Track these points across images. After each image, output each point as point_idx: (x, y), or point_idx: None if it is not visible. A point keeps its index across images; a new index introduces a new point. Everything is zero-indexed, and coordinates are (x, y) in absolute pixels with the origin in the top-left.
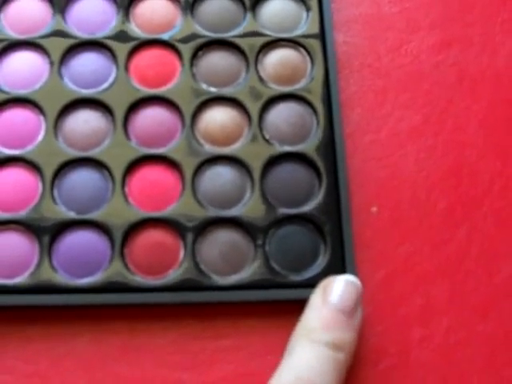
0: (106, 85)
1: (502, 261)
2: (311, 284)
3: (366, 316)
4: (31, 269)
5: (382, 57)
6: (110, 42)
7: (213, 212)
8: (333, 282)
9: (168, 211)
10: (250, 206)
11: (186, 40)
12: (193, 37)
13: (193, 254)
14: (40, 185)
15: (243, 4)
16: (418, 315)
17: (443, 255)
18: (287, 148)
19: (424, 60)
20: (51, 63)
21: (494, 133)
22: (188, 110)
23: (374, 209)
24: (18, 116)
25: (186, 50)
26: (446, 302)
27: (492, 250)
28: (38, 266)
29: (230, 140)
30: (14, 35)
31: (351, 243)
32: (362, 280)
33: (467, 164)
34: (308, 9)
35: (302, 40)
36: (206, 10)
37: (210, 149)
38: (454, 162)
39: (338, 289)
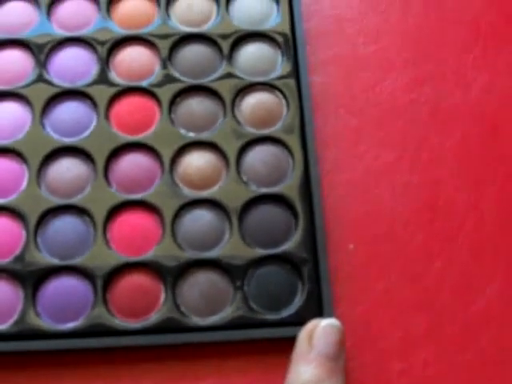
0: (87, 133)
1: (478, 292)
2: (289, 322)
3: (346, 350)
4: (16, 316)
5: (357, 96)
6: (90, 91)
7: (192, 254)
8: (316, 329)
9: (149, 255)
10: (228, 248)
11: (164, 86)
12: (171, 83)
13: (173, 297)
14: (24, 232)
15: (220, 50)
16: (397, 348)
17: (420, 288)
18: (264, 190)
19: (398, 98)
20: (33, 113)
21: (468, 168)
22: (167, 155)
23: (351, 246)
24: (2, 166)
25: (165, 96)
26: (424, 335)
27: (467, 282)
28: (23, 312)
29: (208, 183)
30: None
31: (328, 281)
32: (341, 316)
33: (442, 198)
34: (283, 52)
35: (277, 83)
36: (183, 56)
37: (189, 192)
38: (428, 196)
39: (323, 336)
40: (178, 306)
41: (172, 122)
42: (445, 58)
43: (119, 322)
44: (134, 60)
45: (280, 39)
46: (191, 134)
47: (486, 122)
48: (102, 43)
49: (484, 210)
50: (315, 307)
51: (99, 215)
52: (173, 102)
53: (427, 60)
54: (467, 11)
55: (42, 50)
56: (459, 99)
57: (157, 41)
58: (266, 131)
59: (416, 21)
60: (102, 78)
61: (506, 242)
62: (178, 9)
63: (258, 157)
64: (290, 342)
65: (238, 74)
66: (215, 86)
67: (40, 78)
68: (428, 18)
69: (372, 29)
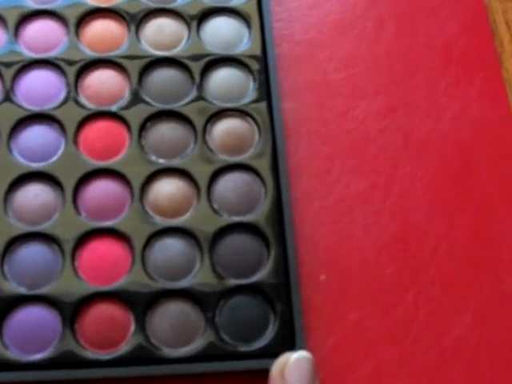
0: (55, 158)
1: (450, 323)
2: (262, 354)
3: (319, 382)
4: None
5: (329, 123)
6: (58, 115)
7: (163, 284)
8: (287, 363)
9: (118, 284)
10: (199, 278)
11: (134, 111)
12: (141, 108)
13: (144, 327)
14: None
15: (190, 74)
16: (369, 380)
17: (392, 319)
18: (236, 218)
19: (370, 125)
20: (0, 136)
21: (440, 196)
22: (137, 182)
23: (323, 277)
24: None
25: (135, 121)
26: (396, 366)
27: (440, 313)
28: None
29: (178, 211)
30: None
31: (300, 313)
32: (313, 347)
33: (414, 228)
34: (255, 78)
35: (248, 109)
36: (154, 80)
37: (160, 220)
38: (400, 226)
39: (295, 369)
40: (148, 337)
41: (142, 147)
42: (417, 85)
43: (88, 353)
44: (103, 83)
45: (252, 64)
46: (161, 161)
47: (457, 150)
48: (71, 65)
49: (455, 239)
50: (287, 339)
51: (68, 243)
52: (143, 127)
53: (399, 87)
54: (439, 38)
55: (8, 72)
56: (431, 127)
57: (126, 63)
58: (237, 158)
59: (388, 47)
60: (71, 102)
61: (477, 271)
62: (148, 31)
63: (229, 184)
64: (263, 374)
65: (209, 99)
66: (186, 111)
67: (7, 101)
68: (400, 45)
69: (344, 54)
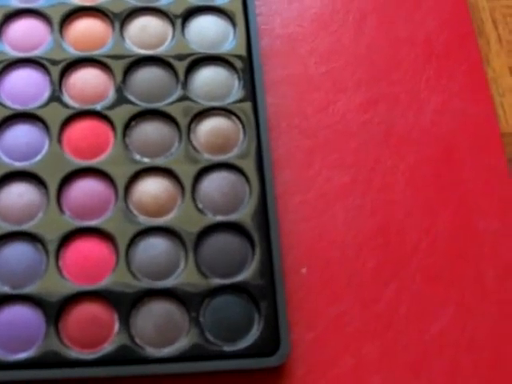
0: (39, 157)
1: (431, 318)
2: (246, 354)
3: (299, 377)
4: None
5: (310, 117)
6: (42, 114)
7: (147, 284)
8: None
9: (102, 284)
10: (183, 277)
11: (118, 110)
12: (125, 107)
13: (127, 327)
14: None
15: (175, 73)
16: (350, 375)
17: (373, 314)
18: (220, 218)
19: (351, 119)
20: None
21: (421, 190)
22: (121, 181)
23: (304, 270)
24: None
25: (119, 120)
26: (377, 361)
27: (421, 308)
28: None
29: (163, 211)
30: None
31: (285, 314)
32: (294, 341)
33: (395, 222)
34: (239, 77)
35: (233, 108)
36: (138, 79)
37: (144, 220)
38: (382, 220)
39: None
40: (132, 337)
41: (126, 146)
42: (398, 79)
43: (72, 352)
44: (87, 82)
45: (236, 63)
46: (146, 160)
47: (439, 143)
48: (55, 64)
49: (437, 233)
50: (272, 338)
51: (52, 242)
52: (127, 126)
53: (380, 80)
54: (420, 32)
55: None
56: (412, 121)
57: (111, 62)
58: (222, 157)
59: (368, 41)
60: (55, 101)
61: (458, 266)
62: (132, 30)
63: (213, 184)
64: (247, 373)
65: (194, 98)
66: (170, 110)
67: None
68: (380, 38)
69: (324, 49)
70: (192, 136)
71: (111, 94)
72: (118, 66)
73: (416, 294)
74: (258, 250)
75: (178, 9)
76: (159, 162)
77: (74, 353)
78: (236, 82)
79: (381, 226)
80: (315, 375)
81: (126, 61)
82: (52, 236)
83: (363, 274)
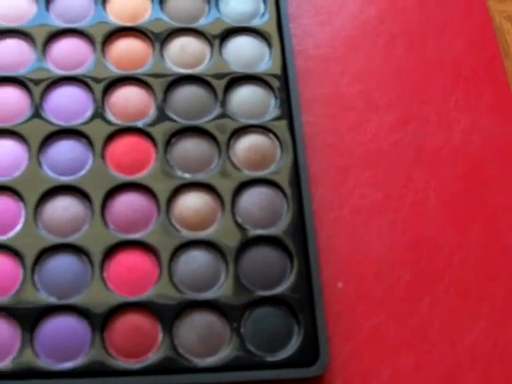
0: (83, 172)
1: (464, 330)
2: (286, 364)
3: None
4: (13, 354)
5: (343, 136)
6: (86, 130)
7: (189, 295)
8: None
9: (146, 295)
10: (224, 289)
11: (159, 127)
12: (166, 124)
13: (171, 337)
14: (21, 271)
15: (214, 92)
16: None
17: (408, 327)
18: (259, 232)
19: (383, 138)
20: (30, 151)
21: (452, 207)
22: (163, 195)
23: (340, 284)
24: None
25: (160, 137)
26: (412, 373)
27: (454, 321)
28: (21, 351)
29: (204, 224)
30: None
31: (324, 324)
32: (331, 353)
33: (427, 238)
34: (276, 95)
35: (270, 126)
36: (178, 97)
37: (185, 233)
38: (414, 236)
39: None
40: (175, 347)
41: (167, 162)
42: (428, 100)
43: (117, 361)
44: (129, 100)
45: (273, 82)
46: (186, 175)
47: (468, 161)
48: (98, 82)
49: (469, 248)
50: (311, 349)
51: (96, 254)
52: (168, 142)
53: (410, 101)
54: (448, 54)
55: (37, 88)
56: (442, 139)
57: (151, 81)
58: (260, 173)
59: (398, 62)
60: (98, 118)
61: (490, 280)
62: (172, 50)
63: (252, 199)
64: (287, 383)
65: (232, 115)
66: (209, 127)
67: (37, 116)
68: (410, 60)
69: (356, 69)
70: (231, 152)
71: (152, 112)
72: (159, 85)
73: (449, 308)
74: (296, 263)
75: (216, 29)
76: (199, 177)
77: (119, 362)
78: (272, 101)
79: (414, 242)
80: None
81: (167, 79)
82: (97, 248)
83: (397, 289)
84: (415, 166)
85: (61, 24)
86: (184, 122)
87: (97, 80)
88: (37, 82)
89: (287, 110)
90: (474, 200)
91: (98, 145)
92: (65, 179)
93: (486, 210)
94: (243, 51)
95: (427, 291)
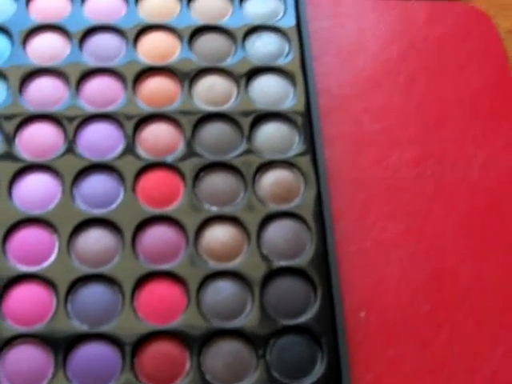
0: (114, 205)
1: (483, 359)
2: None
3: None
4: (46, 381)
5: (365, 170)
6: (118, 165)
7: (216, 324)
8: None
9: (175, 324)
10: (250, 318)
11: (188, 162)
12: (194, 159)
13: (198, 365)
14: (54, 300)
15: (240, 128)
16: None
17: (428, 355)
18: (284, 263)
19: (404, 173)
20: (64, 184)
21: (471, 239)
22: (191, 228)
23: (362, 314)
24: (33, 235)
25: (189, 171)
26: None
27: (473, 350)
28: (53, 377)
29: (230, 256)
30: (28, 158)
31: (346, 352)
32: (352, 382)
33: (447, 269)
34: (300, 132)
35: (295, 161)
36: (206, 134)
37: (213, 264)
38: (435, 267)
39: None
40: (203, 374)
41: (195, 196)
42: (446, 135)
43: None
44: (158, 136)
45: (297, 119)
46: (214, 208)
47: (486, 195)
48: (129, 119)
49: (487, 279)
50: (334, 376)
51: (127, 284)
52: (196, 176)
53: (430, 137)
54: (466, 91)
55: (71, 125)
56: (461, 174)
57: (180, 118)
58: (285, 207)
59: (418, 100)
60: (129, 153)
61: (507, 309)
62: (200, 88)
63: (277, 231)
64: None
65: (258, 151)
66: (236, 162)
67: (70, 152)
68: (429, 98)
69: (377, 107)
70: (256, 187)
71: (181, 147)
72: (187, 122)
73: (468, 337)
74: (319, 294)
75: (243, 69)
76: (226, 210)
77: None
78: (296, 137)
79: (434, 272)
80: None
81: (195, 117)
82: (127, 279)
83: (418, 318)
84: (435, 200)
85: (93, 63)
86: (211, 158)
87: (128, 117)
88: (70, 119)
89: (311, 146)
90: (491, 232)
91: (129, 179)
92: (97, 212)
93: (503, 242)
94: (268, 90)
95: (447, 320)
